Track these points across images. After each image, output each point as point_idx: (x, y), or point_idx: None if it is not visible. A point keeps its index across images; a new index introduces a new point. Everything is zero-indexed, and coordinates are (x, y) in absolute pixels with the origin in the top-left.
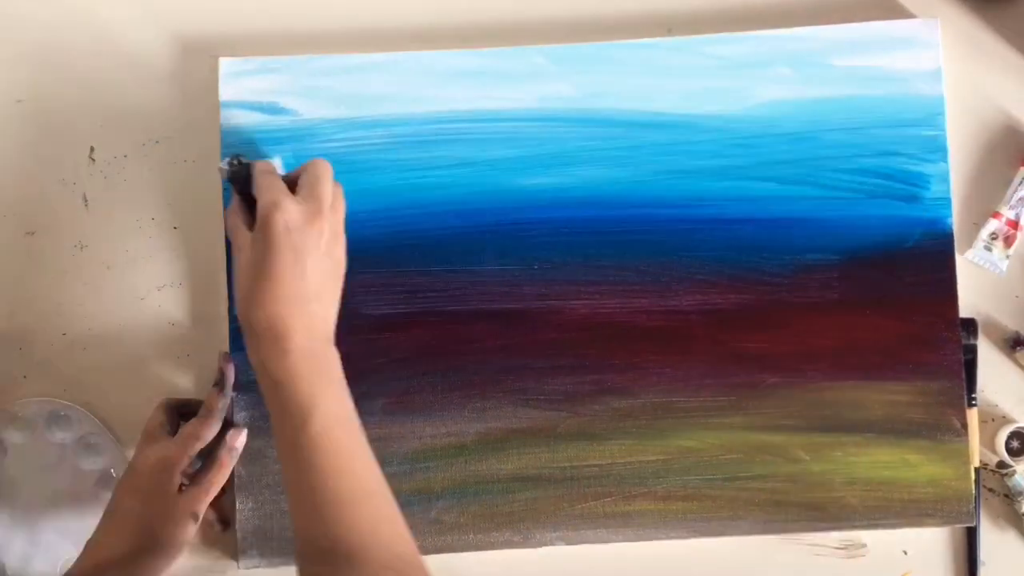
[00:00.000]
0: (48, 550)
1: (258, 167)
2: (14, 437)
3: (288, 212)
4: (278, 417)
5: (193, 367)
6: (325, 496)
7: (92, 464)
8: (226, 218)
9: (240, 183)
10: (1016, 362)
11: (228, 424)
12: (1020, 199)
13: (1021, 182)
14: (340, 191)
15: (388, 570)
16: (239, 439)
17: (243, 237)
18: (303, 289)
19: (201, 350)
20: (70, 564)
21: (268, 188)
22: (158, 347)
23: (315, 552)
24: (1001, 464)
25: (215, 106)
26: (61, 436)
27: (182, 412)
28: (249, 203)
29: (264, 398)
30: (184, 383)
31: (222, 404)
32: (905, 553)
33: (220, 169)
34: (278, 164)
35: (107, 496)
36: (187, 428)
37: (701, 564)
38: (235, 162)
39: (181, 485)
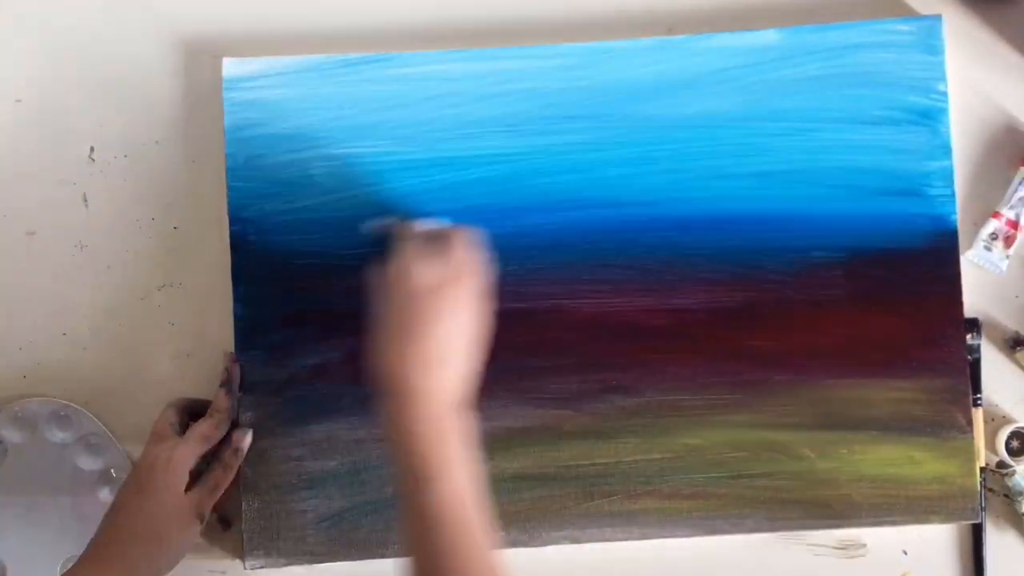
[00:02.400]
0: (48, 550)
1: (401, 230)
2: (14, 437)
3: (425, 274)
4: (400, 475)
5: (193, 367)
6: (438, 563)
7: (92, 464)
8: (366, 275)
9: (385, 242)
10: (1016, 362)
11: (234, 424)
12: (1020, 199)
13: (1021, 182)
14: (485, 257)
15: None
16: (245, 440)
17: (381, 294)
18: (434, 354)
19: (201, 350)
20: (70, 564)
21: (404, 249)
22: (158, 347)
23: None
24: (1001, 464)
25: (215, 106)
26: (61, 436)
27: (192, 412)
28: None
29: (388, 452)
30: (184, 383)
31: (230, 404)
32: (905, 553)
33: (369, 227)
34: (432, 222)
35: (107, 496)
36: (196, 428)
37: (701, 564)
38: (385, 225)
39: (188, 485)
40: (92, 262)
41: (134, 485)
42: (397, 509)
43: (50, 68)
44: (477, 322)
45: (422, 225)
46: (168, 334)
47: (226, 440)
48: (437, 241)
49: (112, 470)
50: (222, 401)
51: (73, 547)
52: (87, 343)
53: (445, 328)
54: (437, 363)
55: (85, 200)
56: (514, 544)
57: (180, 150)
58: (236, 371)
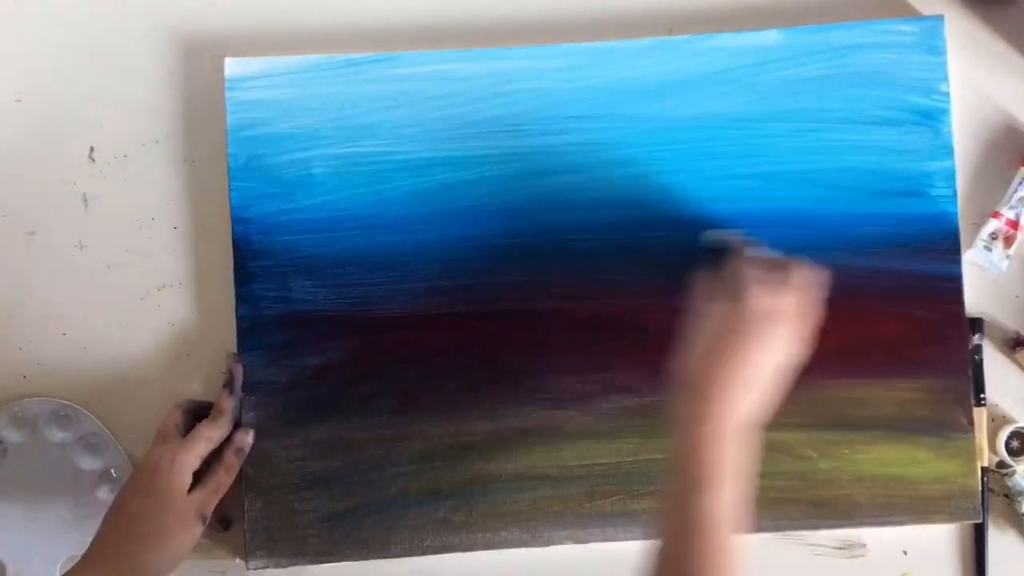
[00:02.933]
0: (48, 550)
1: (741, 245)
2: (14, 437)
3: (767, 300)
4: (675, 475)
5: (193, 367)
6: (687, 566)
7: (92, 464)
8: (699, 283)
9: (721, 256)
10: (1016, 362)
11: (236, 425)
12: (1020, 199)
13: (1021, 182)
14: (818, 297)
15: None
16: (247, 440)
17: (714, 304)
18: (753, 373)
19: (201, 350)
20: (70, 564)
21: (747, 270)
22: (158, 347)
23: None
24: (1001, 464)
25: (215, 105)
26: (61, 436)
27: (197, 414)
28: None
29: (669, 454)
30: (184, 383)
31: (232, 405)
32: (905, 553)
33: (712, 237)
34: (765, 250)
35: (107, 496)
36: (199, 429)
37: None
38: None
39: (190, 486)
40: (92, 262)
41: (137, 486)
42: (658, 508)
43: (50, 68)
44: (792, 358)
45: (765, 250)
46: (168, 334)
47: (228, 440)
48: (779, 270)
49: (112, 470)
50: (225, 402)
51: (73, 547)
52: (87, 343)
53: (764, 357)
54: (745, 385)
55: (85, 200)
56: (517, 544)
57: (180, 150)
58: (239, 371)
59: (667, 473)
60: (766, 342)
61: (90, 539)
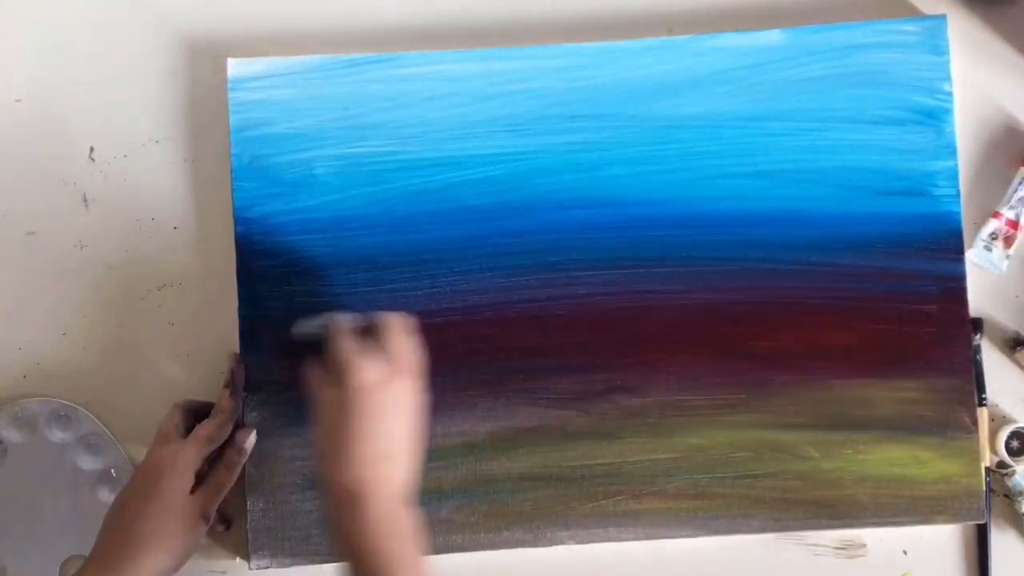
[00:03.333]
0: (48, 550)
1: (333, 326)
2: (14, 437)
3: (365, 372)
4: (355, 572)
5: (193, 367)
6: None
7: (92, 464)
8: (306, 376)
9: (317, 342)
10: (1016, 362)
11: (238, 425)
12: (1020, 199)
13: (1021, 182)
14: (417, 343)
15: None
16: (249, 440)
17: (323, 395)
18: (380, 451)
19: (201, 350)
20: (70, 564)
21: (344, 348)
22: (158, 347)
23: None
24: (1001, 464)
25: (215, 105)
26: (61, 436)
27: (197, 414)
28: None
29: (337, 556)
30: (184, 383)
31: (234, 405)
32: (905, 553)
33: (295, 334)
34: (351, 318)
35: (107, 496)
36: (200, 429)
37: (701, 564)
38: (319, 326)
39: (192, 487)
40: (92, 262)
41: (138, 488)
42: None
43: (50, 68)
44: (418, 415)
45: (351, 319)
46: (168, 334)
47: (230, 440)
48: (372, 333)
49: (112, 470)
50: (226, 402)
51: (73, 547)
52: (87, 343)
53: (391, 424)
54: (384, 460)
55: (85, 200)
56: (519, 544)
57: (180, 150)
58: (240, 371)
59: (345, 570)
60: (385, 410)
61: (90, 539)
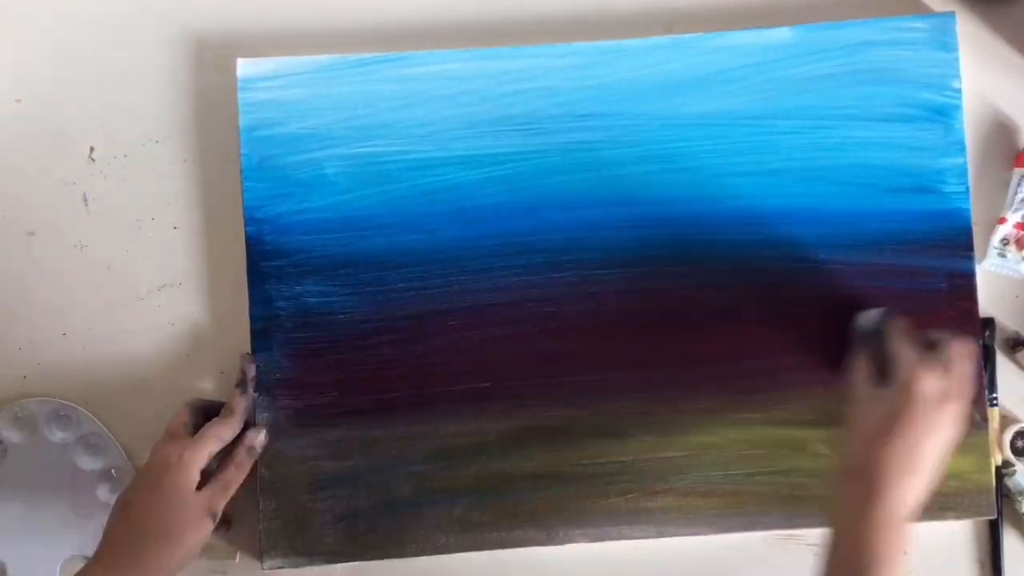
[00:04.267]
0: (48, 550)
1: (896, 327)
2: (14, 437)
3: (931, 384)
4: (834, 559)
5: (193, 367)
6: None
7: (92, 464)
8: (856, 365)
9: (872, 338)
10: (1017, 363)
11: (248, 425)
12: (1022, 200)
13: (1020, 183)
14: (976, 373)
15: None
16: (259, 439)
17: (867, 389)
18: (918, 458)
19: (202, 350)
20: (70, 564)
21: (910, 354)
22: (158, 347)
23: None
24: (1005, 463)
25: (217, 105)
26: (61, 436)
27: (207, 413)
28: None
29: (829, 537)
30: (185, 383)
31: (244, 405)
32: (905, 553)
33: (860, 327)
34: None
35: (107, 496)
36: (208, 428)
37: (701, 564)
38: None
39: (200, 484)
40: (92, 262)
41: (144, 483)
42: None
43: (50, 68)
44: (952, 444)
45: (915, 331)
46: (168, 334)
47: (240, 438)
48: (939, 350)
49: (112, 470)
50: (236, 401)
51: (73, 547)
52: (87, 343)
53: (931, 442)
54: (912, 472)
55: (85, 200)
56: (531, 542)
57: (181, 150)
58: (251, 371)
59: (827, 556)
60: (933, 427)
61: (90, 539)
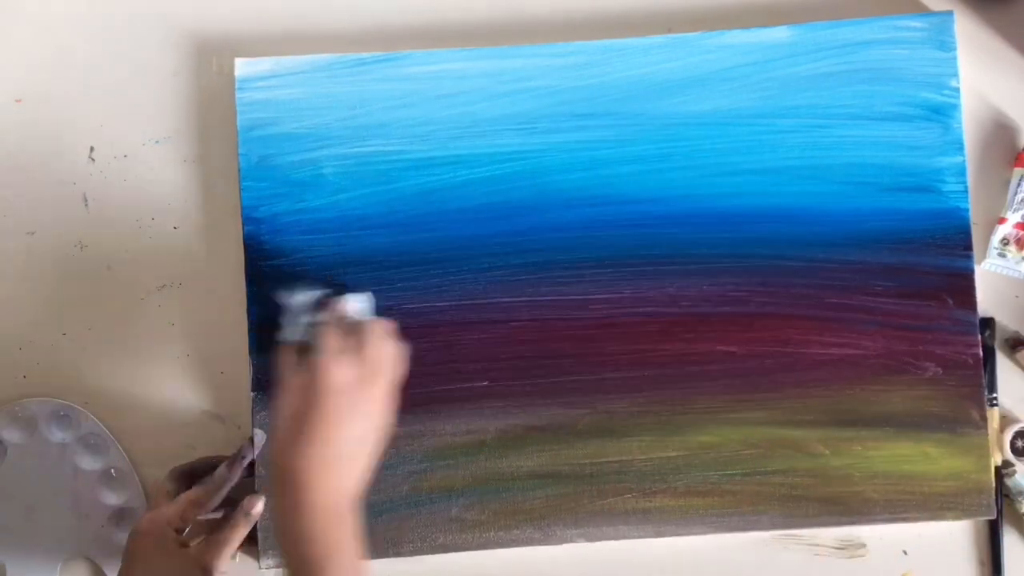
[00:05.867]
0: (48, 550)
1: (326, 317)
2: (14, 437)
3: (341, 373)
4: (291, 565)
5: (193, 367)
6: None
7: (92, 464)
8: (280, 358)
9: (301, 324)
10: (1017, 363)
11: (234, 497)
12: (1022, 200)
13: (1020, 183)
14: (400, 351)
15: None
16: (257, 506)
17: (292, 380)
18: (337, 450)
19: (201, 350)
20: (70, 564)
21: (326, 344)
22: (158, 347)
23: None
24: (1005, 464)
25: (217, 105)
26: (61, 436)
27: (192, 476)
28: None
29: (278, 544)
30: (183, 383)
31: (229, 476)
32: (905, 553)
33: (291, 300)
34: (361, 301)
35: (107, 496)
36: (189, 493)
37: (701, 563)
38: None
39: (189, 542)
40: (92, 262)
41: (130, 554)
42: None
43: (50, 68)
44: (384, 422)
45: (338, 311)
46: (168, 334)
47: (239, 503)
48: (354, 335)
49: (112, 470)
50: (222, 473)
51: (73, 547)
52: (87, 343)
53: (354, 430)
54: (338, 462)
55: (85, 200)
56: (529, 542)
57: (180, 150)
58: (249, 453)
59: (284, 557)
60: (356, 416)
61: (90, 539)
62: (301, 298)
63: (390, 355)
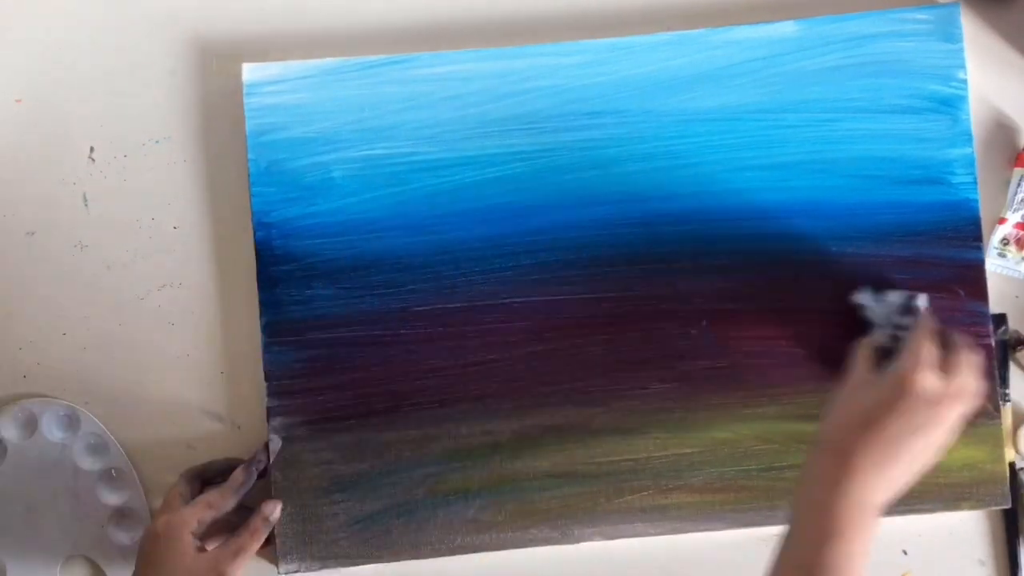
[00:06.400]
0: (48, 550)
1: (924, 324)
2: (14, 437)
3: (928, 384)
4: (802, 524)
5: (193, 367)
6: None
7: (92, 464)
8: (862, 348)
9: (888, 320)
10: (1017, 362)
11: (250, 504)
12: (1022, 200)
13: (1020, 183)
14: (983, 389)
15: None
16: (275, 512)
17: (866, 372)
18: (896, 455)
19: (201, 350)
20: (70, 564)
21: (919, 351)
22: (158, 347)
23: None
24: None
25: (218, 105)
26: (61, 436)
27: (205, 478)
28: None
29: (795, 507)
30: (183, 383)
31: (244, 480)
32: (905, 553)
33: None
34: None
35: (107, 496)
36: (205, 496)
37: (700, 563)
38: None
39: (205, 546)
40: (92, 262)
41: (145, 556)
42: (775, 557)
43: (50, 68)
44: (941, 452)
45: (933, 322)
46: (168, 334)
47: (256, 508)
48: (949, 352)
49: (112, 470)
50: (239, 476)
51: (73, 547)
52: (87, 343)
53: (916, 443)
54: (889, 464)
55: (85, 200)
56: (546, 542)
57: (181, 150)
58: (263, 458)
59: (790, 524)
60: (921, 426)
61: (90, 539)
62: (892, 299)
63: (974, 389)
